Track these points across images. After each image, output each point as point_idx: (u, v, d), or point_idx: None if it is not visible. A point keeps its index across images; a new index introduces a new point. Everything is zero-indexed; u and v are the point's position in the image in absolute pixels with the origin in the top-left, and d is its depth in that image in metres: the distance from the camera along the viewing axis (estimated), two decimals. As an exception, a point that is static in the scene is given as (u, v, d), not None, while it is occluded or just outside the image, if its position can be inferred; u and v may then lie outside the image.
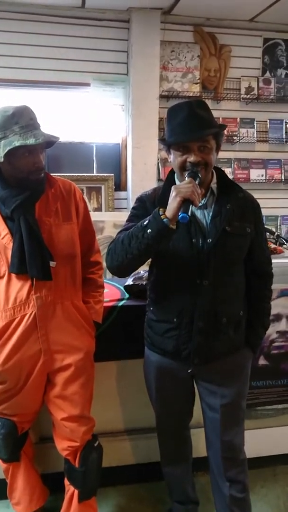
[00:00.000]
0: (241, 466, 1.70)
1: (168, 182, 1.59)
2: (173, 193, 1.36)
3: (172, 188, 1.38)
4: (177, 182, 1.57)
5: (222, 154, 4.03)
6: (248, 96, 4.05)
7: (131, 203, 3.88)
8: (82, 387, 1.64)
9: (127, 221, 1.60)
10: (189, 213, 1.32)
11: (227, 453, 1.67)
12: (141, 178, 3.79)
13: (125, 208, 4.02)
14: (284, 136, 4.20)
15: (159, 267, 1.62)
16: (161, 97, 3.79)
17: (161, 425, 1.80)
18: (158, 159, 3.84)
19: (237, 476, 1.69)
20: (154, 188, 1.66)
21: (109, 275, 2.65)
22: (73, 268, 1.64)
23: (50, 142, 1.51)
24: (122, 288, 2.20)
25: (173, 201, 1.35)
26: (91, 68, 3.72)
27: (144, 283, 2.07)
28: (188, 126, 1.42)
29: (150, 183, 3.77)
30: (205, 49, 3.89)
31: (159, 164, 3.88)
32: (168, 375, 1.65)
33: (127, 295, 2.11)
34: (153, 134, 3.71)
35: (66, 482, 1.72)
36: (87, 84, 3.75)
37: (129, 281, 2.14)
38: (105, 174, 3.90)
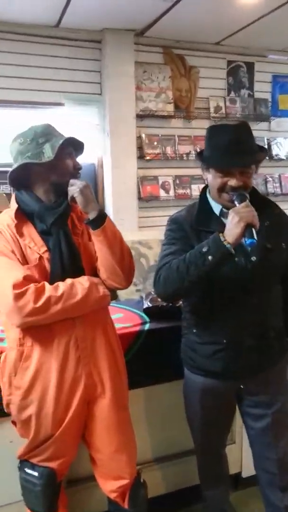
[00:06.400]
0: None
1: (202, 201, 1.60)
2: (235, 219, 1.35)
3: (232, 212, 1.38)
4: (210, 200, 1.58)
5: (194, 171, 4.11)
6: (217, 114, 4.21)
7: (111, 223, 3.85)
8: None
9: (167, 244, 1.57)
10: (255, 238, 1.32)
11: (282, 460, 1.65)
12: (121, 197, 3.77)
13: (104, 227, 3.95)
14: (250, 153, 4.39)
15: (203, 290, 1.59)
16: (137, 116, 3.82)
17: (203, 446, 1.76)
18: (137, 178, 3.85)
19: None
20: (186, 208, 1.65)
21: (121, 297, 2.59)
22: None
23: (79, 149, 1.55)
24: (135, 310, 2.14)
25: (236, 227, 1.35)
26: (65, 88, 3.67)
27: (163, 304, 2.03)
28: (234, 150, 1.43)
29: (130, 202, 3.77)
30: (175, 70, 4.00)
31: (138, 183, 3.89)
32: (213, 395, 1.63)
33: (147, 318, 2.06)
34: (132, 153, 3.72)
35: None
36: (61, 104, 3.69)
37: (147, 304, 2.09)
38: (83, 195, 3.82)
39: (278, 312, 1.63)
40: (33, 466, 1.50)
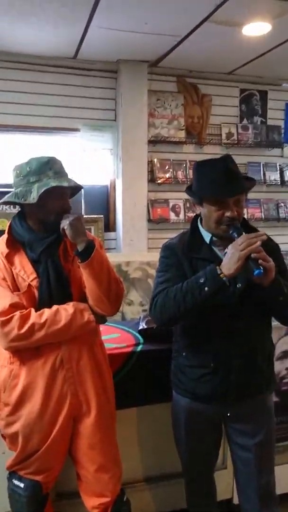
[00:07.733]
0: (276, 505, 1.71)
1: (193, 230, 1.66)
2: (235, 255, 1.41)
3: (232, 249, 1.43)
4: (200, 228, 1.64)
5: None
6: (229, 141, 4.30)
7: (121, 243, 3.98)
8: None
9: (161, 271, 1.64)
10: (261, 268, 1.39)
11: (264, 494, 1.67)
12: (131, 218, 3.89)
13: (114, 248, 4.08)
14: (262, 178, 4.46)
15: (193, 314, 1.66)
16: (149, 142, 3.96)
17: (190, 469, 1.79)
18: (147, 200, 3.97)
19: None
20: (179, 235, 1.72)
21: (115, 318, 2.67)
22: None
23: (76, 189, 1.60)
24: (132, 331, 2.21)
25: (237, 261, 1.41)
26: (81, 115, 3.85)
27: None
28: (226, 180, 1.49)
29: (140, 223, 3.90)
30: (188, 98, 4.13)
31: (148, 205, 4.01)
32: (199, 418, 1.66)
33: (141, 339, 2.12)
34: (143, 176, 3.85)
35: None
36: (77, 130, 3.87)
37: (143, 325, 2.16)
38: (95, 216, 3.96)
39: (267, 335, 1.67)
40: (20, 478, 1.58)
